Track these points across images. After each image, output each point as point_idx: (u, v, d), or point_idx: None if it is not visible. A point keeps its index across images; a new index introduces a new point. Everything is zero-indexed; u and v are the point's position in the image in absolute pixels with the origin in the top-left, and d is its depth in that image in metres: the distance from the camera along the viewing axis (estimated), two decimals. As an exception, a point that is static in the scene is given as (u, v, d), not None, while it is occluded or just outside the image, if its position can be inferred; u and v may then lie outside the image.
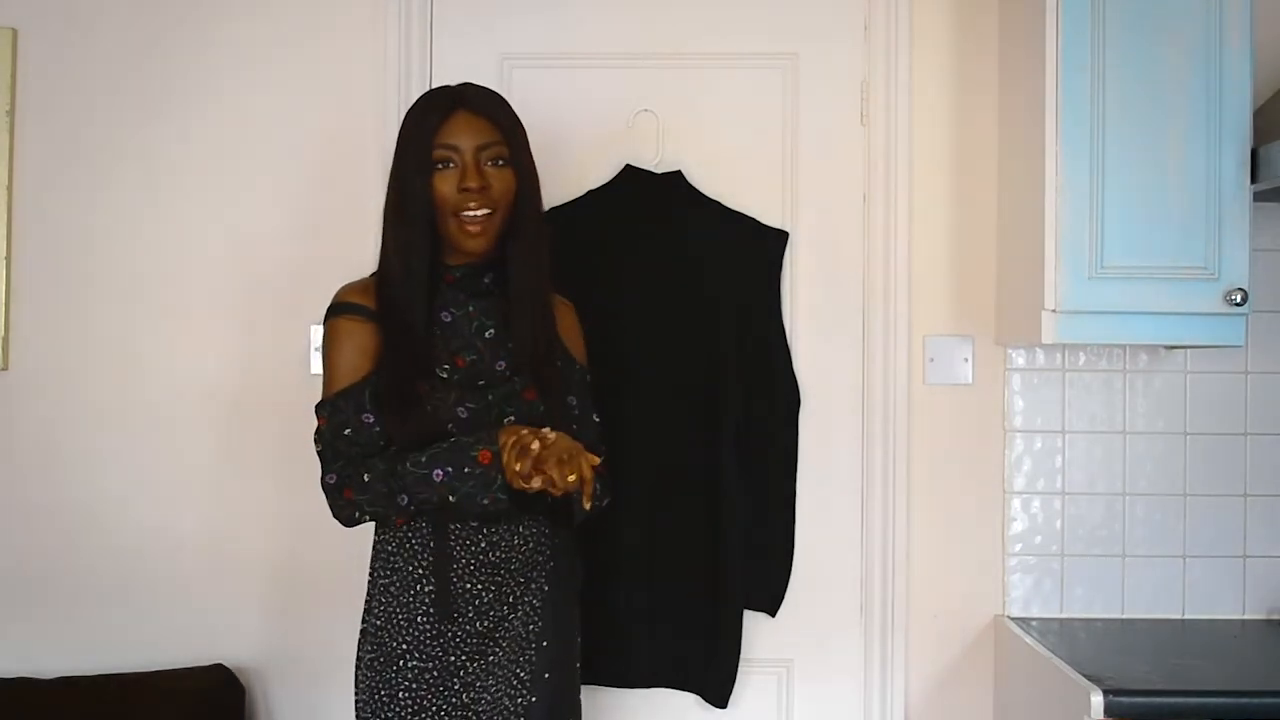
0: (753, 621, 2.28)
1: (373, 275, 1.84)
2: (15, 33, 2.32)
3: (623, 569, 2.21)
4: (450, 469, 1.69)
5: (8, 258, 2.32)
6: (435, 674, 1.77)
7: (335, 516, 1.79)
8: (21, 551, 2.32)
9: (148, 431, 2.32)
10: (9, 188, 2.32)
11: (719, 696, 2.25)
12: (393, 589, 1.79)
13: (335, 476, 1.76)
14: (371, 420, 1.76)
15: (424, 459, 1.70)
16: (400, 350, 1.77)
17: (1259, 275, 2.16)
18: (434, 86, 1.93)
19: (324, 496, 1.78)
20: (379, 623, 1.80)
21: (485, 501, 1.69)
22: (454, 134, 1.78)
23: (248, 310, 2.32)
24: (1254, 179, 1.99)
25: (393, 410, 1.74)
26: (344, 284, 1.85)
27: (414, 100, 1.88)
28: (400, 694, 1.77)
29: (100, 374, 2.32)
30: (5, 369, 2.32)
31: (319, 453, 1.79)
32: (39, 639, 2.31)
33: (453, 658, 1.77)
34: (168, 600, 2.32)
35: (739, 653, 2.24)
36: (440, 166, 1.78)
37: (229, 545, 2.31)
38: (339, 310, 1.81)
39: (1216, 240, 1.98)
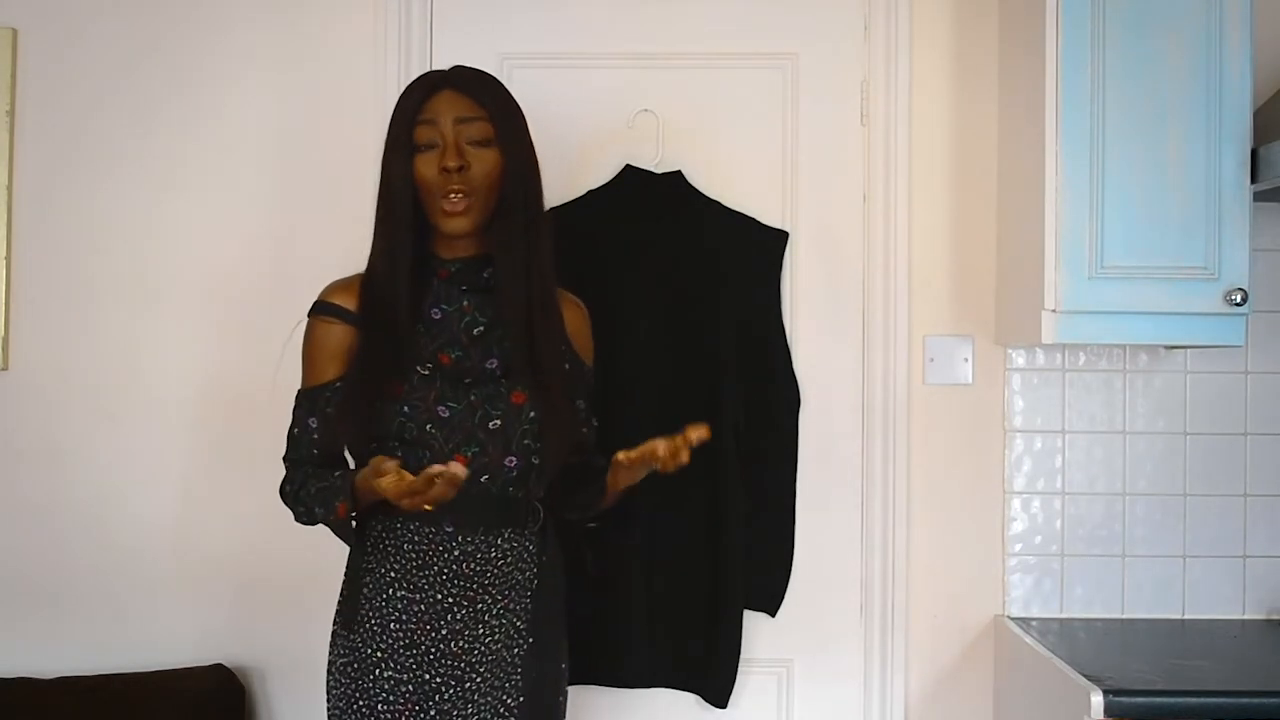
0: (753, 621, 2.28)
1: (360, 274, 1.81)
2: (15, 33, 2.32)
3: (623, 569, 2.21)
4: (321, 510, 1.71)
5: (8, 258, 2.32)
6: (410, 690, 1.70)
7: None
8: (21, 551, 2.32)
9: (148, 431, 2.32)
10: (9, 188, 2.32)
11: (719, 697, 2.25)
12: (365, 591, 1.75)
13: (284, 474, 1.81)
14: (314, 426, 1.76)
15: (313, 490, 1.72)
16: (372, 351, 1.72)
17: (1259, 275, 2.16)
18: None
19: None
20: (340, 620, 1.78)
21: (347, 547, 1.78)
22: (433, 110, 1.72)
23: (248, 310, 2.32)
24: (1254, 179, 1.99)
25: (343, 412, 1.72)
26: (332, 280, 1.82)
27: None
28: (379, 706, 1.69)
29: (100, 374, 2.32)
30: (5, 369, 2.32)
31: None
32: (39, 639, 2.31)
33: (427, 676, 1.70)
34: (168, 600, 2.32)
35: (739, 653, 2.24)
36: (423, 149, 1.72)
37: (230, 545, 2.31)
38: (315, 310, 1.79)
39: (1216, 240, 1.98)
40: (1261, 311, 2.24)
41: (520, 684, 1.75)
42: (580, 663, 2.23)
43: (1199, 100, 1.99)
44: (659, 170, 2.29)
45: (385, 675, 1.70)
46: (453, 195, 1.70)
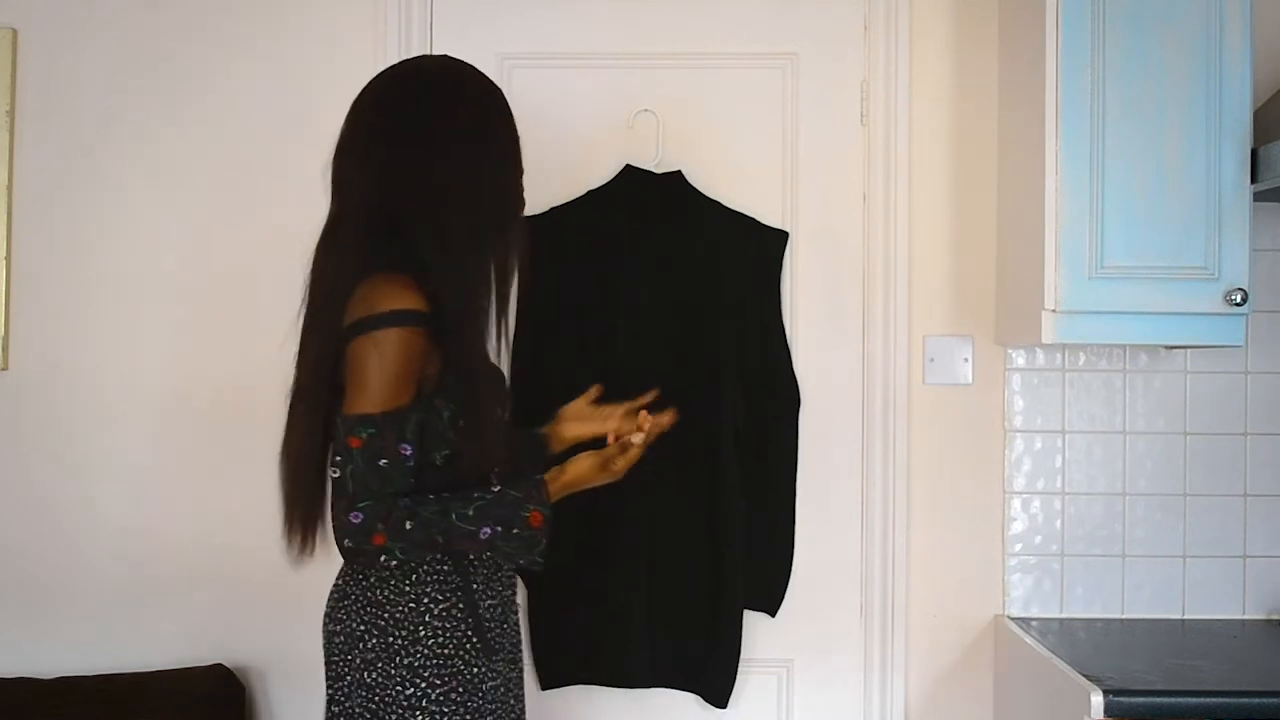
0: (753, 621, 2.28)
1: (404, 275, 1.56)
2: (15, 33, 2.32)
3: (623, 569, 2.21)
4: (500, 528, 1.57)
5: (8, 258, 2.32)
6: (503, 690, 1.67)
7: (348, 553, 1.55)
8: (21, 551, 2.32)
9: (148, 431, 2.32)
10: (9, 188, 2.32)
11: (719, 696, 2.25)
12: (455, 613, 1.62)
13: (362, 516, 1.52)
14: (409, 453, 1.53)
15: (471, 513, 1.55)
16: (483, 361, 1.63)
17: (1259, 275, 2.16)
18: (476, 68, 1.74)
19: (333, 523, 1.56)
20: (448, 650, 1.60)
21: (522, 561, 1.63)
22: None
23: (248, 310, 2.32)
24: (1254, 179, 1.99)
25: (483, 440, 1.60)
26: (377, 285, 1.55)
27: (475, 74, 1.71)
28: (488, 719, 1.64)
29: (100, 374, 2.32)
30: (5, 369, 2.32)
31: (336, 479, 1.54)
32: (39, 639, 2.31)
33: (509, 672, 1.71)
34: (168, 600, 2.32)
35: (739, 653, 2.24)
36: None
37: (229, 545, 2.31)
38: (398, 319, 1.53)
39: (1216, 240, 1.98)
40: (1261, 311, 2.24)
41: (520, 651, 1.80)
42: (581, 663, 2.24)
43: (1199, 100, 1.99)
44: (659, 170, 2.29)
45: (489, 687, 1.64)
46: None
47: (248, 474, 2.30)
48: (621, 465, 1.70)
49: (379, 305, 1.54)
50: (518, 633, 1.77)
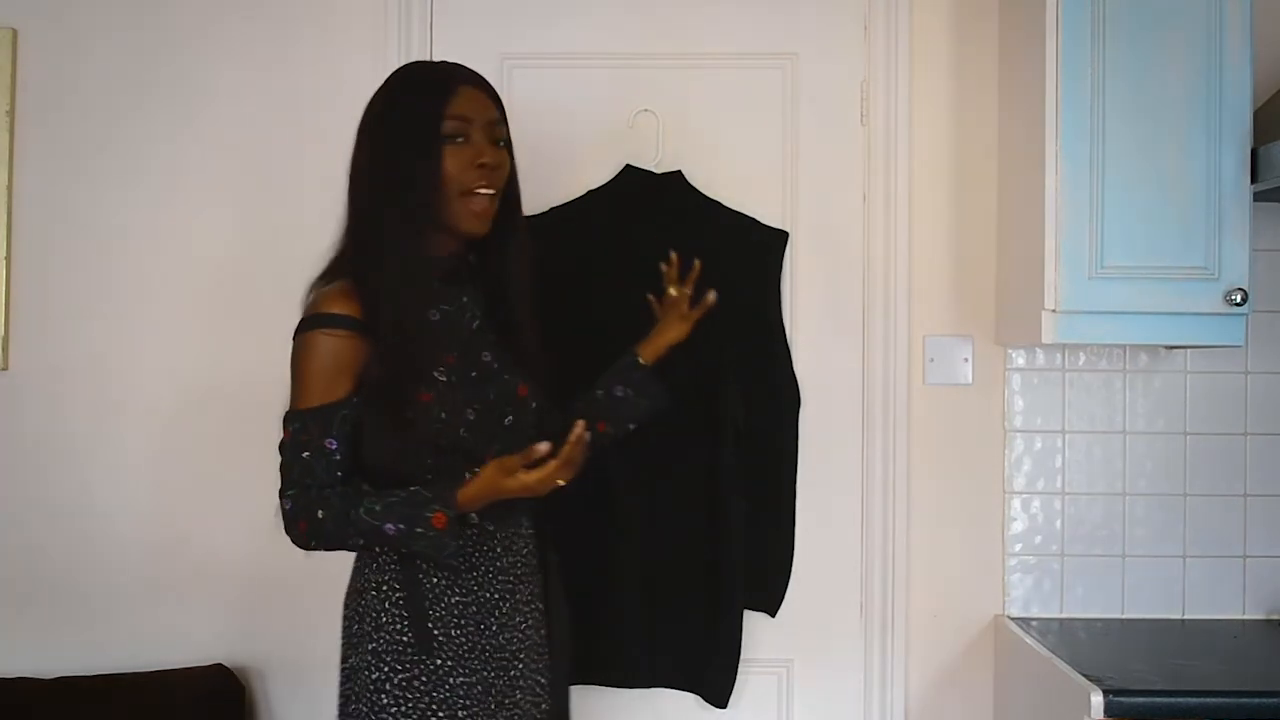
0: (753, 621, 2.28)
1: (348, 282, 1.66)
2: (15, 33, 2.32)
3: (623, 569, 2.21)
4: (403, 526, 1.60)
5: (8, 258, 2.32)
6: (479, 690, 1.68)
7: (293, 541, 1.67)
8: (22, 551, 2.32)
9: (148, 431, 2.32)
10: (9, 188, 2.32)
11: (719, 697, 2.25)
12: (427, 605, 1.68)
13: (290, 504, 1.63)
14: (334, 447, 1.62)
15: (378, 508, 1.60)
16: (397, 362, 1.65)
17: (1259, 275, 2.16)
18: (416, 62, 1.79)
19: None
20: (408, 638, 1.66)
21: (436, 562, 1.65)
22: (466, 107, 1.66)
23: (247, 311, 2.32)
24: (1254, 179, 1.99)
25: (390, 430, 1.63)
26: (319, 289, 1.69)
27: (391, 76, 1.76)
28: (460, 713, 1.66)
29: (100, 374, 2.32)
30: (5, 369, 2.32)
31: (280, 465, 1.65)
32: (39, 639, 2.31)
33: (485, 673, 1.69)
34: (168, 600, 2.32)
35: (739, 653, 2.24)
36: (447, 141, 1.66)
37: (229, 545, 2.31)
38: (320, 323, 1.64)
39: (1216, 240, 1.98)
40: (1261, 311, 2.24)
41: (548, 660, 1.79)
42: (581, 663, 2.23)
43: (1199, 100, 1.99)
44: (659, 170, 2.29)
45: (459, 681, 1.66)
46: (480, 193, 1.69)
47: (248, 473, 2.31)
48: (533, 478, 1.60)
49: (313, 309, 1.68)
50: (502, 635, 1.72)
